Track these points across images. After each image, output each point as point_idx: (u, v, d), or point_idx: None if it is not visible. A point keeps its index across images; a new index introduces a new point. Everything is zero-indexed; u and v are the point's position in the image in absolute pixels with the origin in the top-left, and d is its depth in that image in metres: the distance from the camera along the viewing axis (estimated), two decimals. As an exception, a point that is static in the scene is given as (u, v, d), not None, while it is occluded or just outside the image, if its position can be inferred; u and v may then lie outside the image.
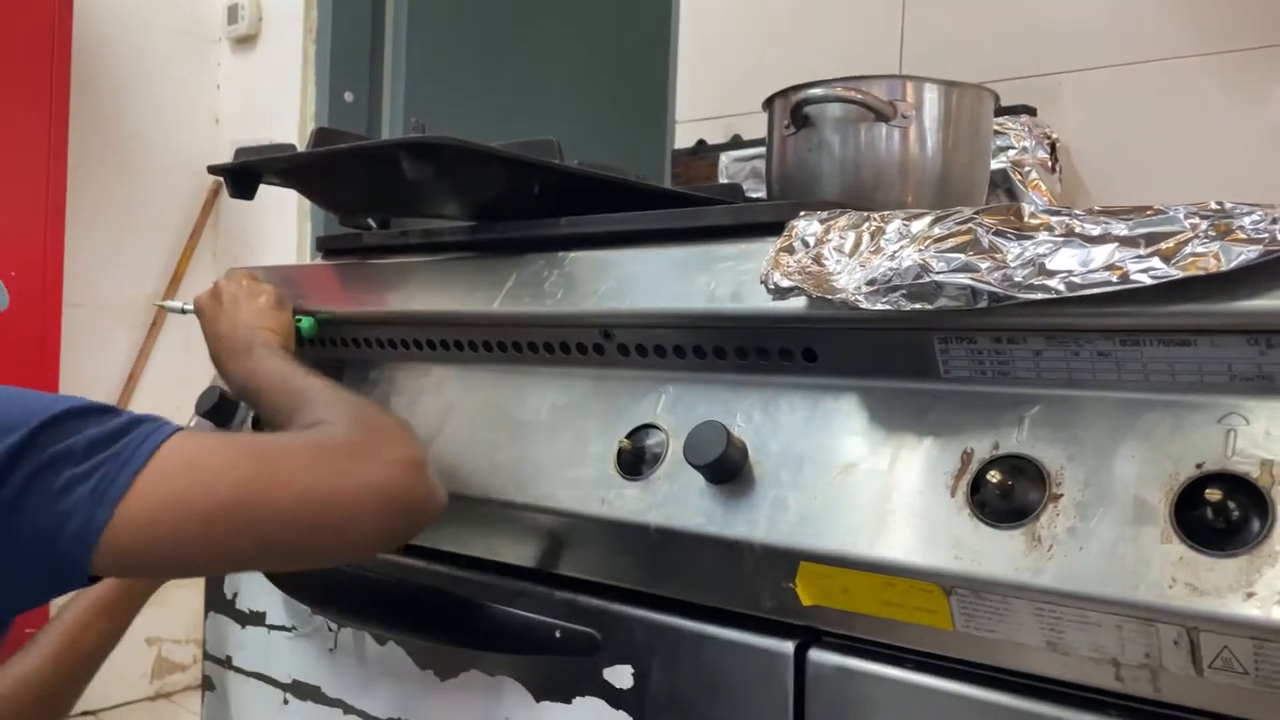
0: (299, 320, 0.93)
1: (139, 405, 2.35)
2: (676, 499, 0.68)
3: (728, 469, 0.66)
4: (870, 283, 0.60)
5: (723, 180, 1.48)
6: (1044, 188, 1.26)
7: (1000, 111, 1.18)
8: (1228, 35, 1.25)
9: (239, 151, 0.95)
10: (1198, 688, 0.51)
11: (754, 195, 1.30)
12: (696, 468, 0.66)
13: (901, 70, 1.47)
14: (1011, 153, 1.26)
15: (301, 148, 0.93)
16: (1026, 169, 1.25)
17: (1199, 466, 0.52)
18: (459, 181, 0.86)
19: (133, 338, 2.38)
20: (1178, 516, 0.52)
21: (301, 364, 0.82)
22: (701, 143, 1.66)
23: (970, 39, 1.45)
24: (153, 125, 2.40)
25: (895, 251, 0.60)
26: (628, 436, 0.72)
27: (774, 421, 0.68)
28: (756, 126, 1.48)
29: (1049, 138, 1.29)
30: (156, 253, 2.41)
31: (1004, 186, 1.25)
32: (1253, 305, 0.51)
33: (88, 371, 2.29)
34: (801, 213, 0.69)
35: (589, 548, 0.74)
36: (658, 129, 1.88)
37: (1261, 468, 0.51)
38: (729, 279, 0.70)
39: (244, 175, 0.93)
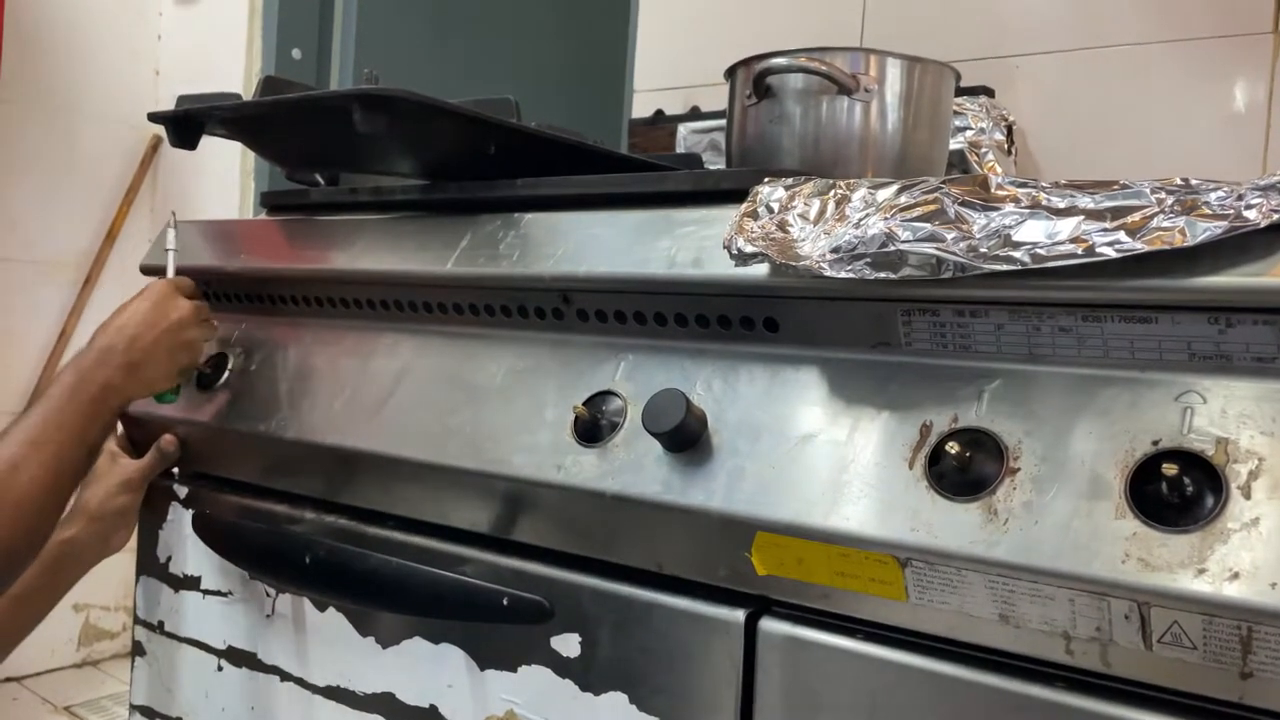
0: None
1: (70, 365, 2.27)
2: (633, 466, 0.67)
3: (686, 437, 0.65)
4: (835, 250, 0.59)
5: (680, 151, 1.47)
6: (999, 170, 1.27)
7: (959, 92, 1.18)
8: (1187, 23, 1.26)
9: (181, 99, 0.91)
10: (1146, 662, 0.51)
11: (712, 167, 1.28)
12: (655, 435, 0.65)
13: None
14: (969, 133, 1.26)
15: (248, 99, 0.90)
16: (983, 150, 1.25)
17: (1155, 444, 0.53)
18: (412, 138, 0.84)
19: (65, 294, 2.30)
20: (1132, 493, 0.52)
21: (68, 397, 0.83)
22: (660, 113, 1.65)
23: (931, 18, 1.45)
24: (89, 75, 2.31)
25: (860, 219, 0.59)
26: (585, 403, 0.71)
27: (734, 391, 0.67)
28: (716, 99, 1.47)
29: (1006, 120, 1.30)
30: (92, 207, 2.32)
31: (960, 167, 1.25)
32: (1213, 281, 0.51)
33: (16, 329, 2.21)
34: (766, 179, 0.68)
35: (544, 514, 0.72)
36: (615, 97, 1.86)
37: (1217, 446, 0.51)
38: (691, 244, 0.68)
39: (186, 124, 0.89)
